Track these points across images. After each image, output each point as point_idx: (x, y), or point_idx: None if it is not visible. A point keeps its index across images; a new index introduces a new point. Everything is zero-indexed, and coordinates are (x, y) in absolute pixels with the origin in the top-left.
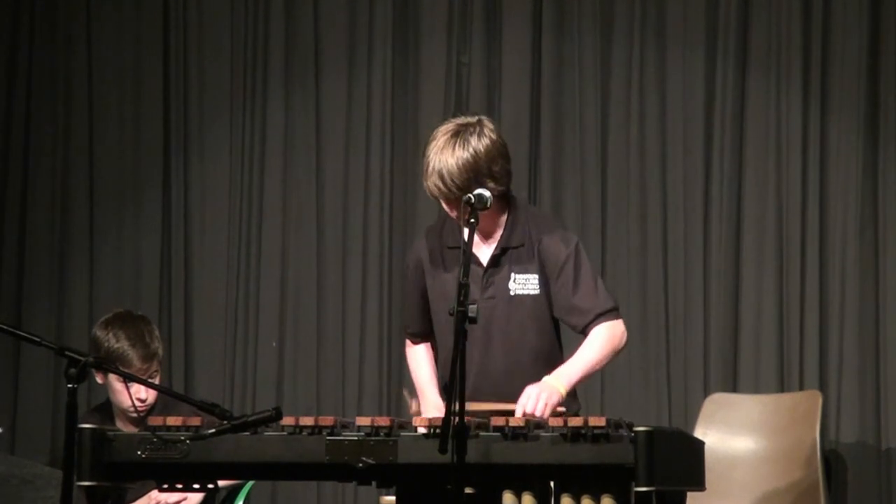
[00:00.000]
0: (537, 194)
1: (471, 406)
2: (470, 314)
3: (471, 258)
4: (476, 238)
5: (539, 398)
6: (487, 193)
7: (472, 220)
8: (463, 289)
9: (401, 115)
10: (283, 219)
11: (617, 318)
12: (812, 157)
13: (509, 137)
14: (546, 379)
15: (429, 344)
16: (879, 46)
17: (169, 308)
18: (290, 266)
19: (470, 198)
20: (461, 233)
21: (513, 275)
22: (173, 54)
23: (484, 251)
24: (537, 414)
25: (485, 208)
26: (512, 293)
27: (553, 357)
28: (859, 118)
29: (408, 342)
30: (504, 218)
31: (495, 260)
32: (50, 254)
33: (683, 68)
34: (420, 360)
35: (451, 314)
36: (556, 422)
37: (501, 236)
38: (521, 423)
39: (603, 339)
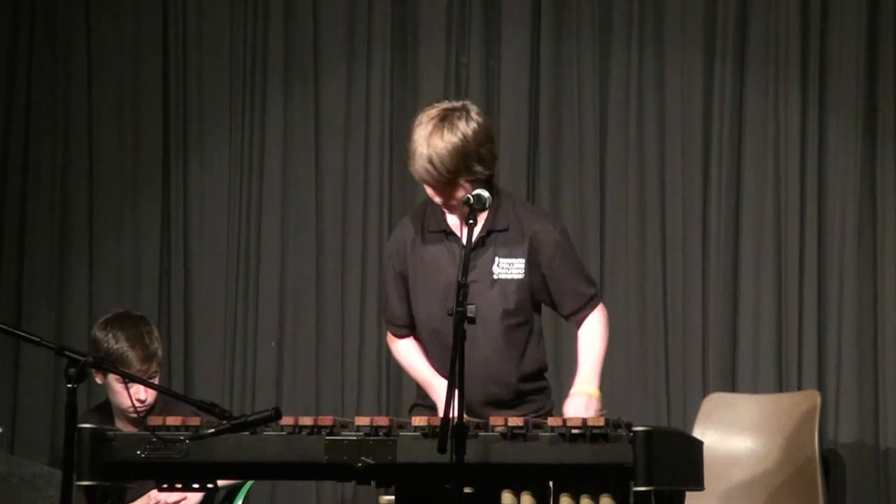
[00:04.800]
0: (536, 194)
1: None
2: (469, 314)
3: (469, 258)
4: (460, 222)
5: (588, 407)
6: (486, 194)
7: (472, 222)
8: (462, 289)
9: (400, 116)
10: (283, 219)
11: (600, 301)
12: (810, 158)
13: (508, 138)
14: (580, 389)
15: (413, 338)
16: (877, 47)
17: (169, 308)
18: (290, 266)
19: (469, 198)
20: (444, 216)
21: (497, 259)
22: (173, 54)
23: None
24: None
25: (483, 209)
26: (495, 277)
27: (530, 343)
28: (857, 118)
29: (391, 338)
30: None
31: (479, 242)
32: (50, 254)
33: (682, 69)
34: (412, 353)
35: (449, 314)
36: (555, 421)
37: (486, 220)
38: (520, 423)
39: (599, 330)
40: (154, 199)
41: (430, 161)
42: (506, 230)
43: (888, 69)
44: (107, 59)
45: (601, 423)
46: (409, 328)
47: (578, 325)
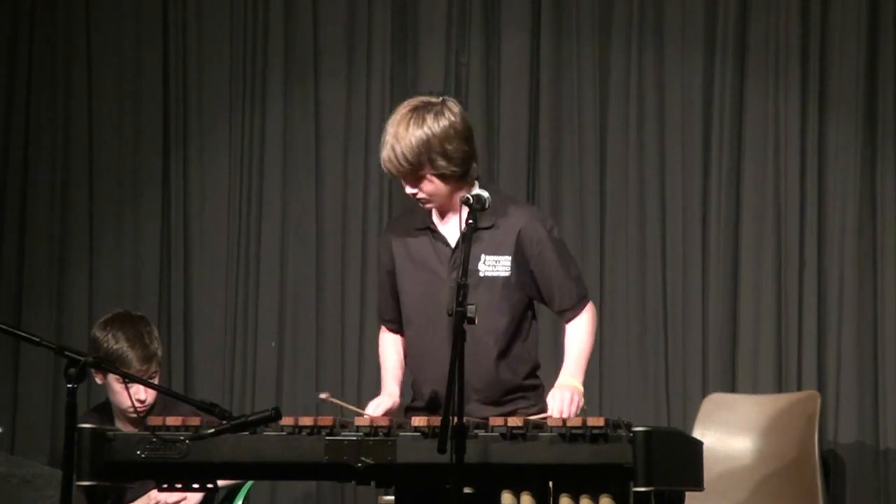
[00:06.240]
0: (536, 195)
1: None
2: (469, 314)
3: (469, 259)
4: (439, 217)
5: (573, 401)
6: (486, 194)
7: (471, 222)
8: (462, 289)
9: None
10: (283, 219)
11: (589, 300)
12: (810, 158)
13: (508, 138)
14: (565, 381)
15: (401, 335)
16: (877, 47)
17: (169, 308)
18: (290, 266)
19: (468, 198)
20: (430, 213)
21: (483, 256)
22: (173, 55)
23: (452, 231)
24: (572, 415)
25: (483, 209)
26: (481, 274)
27: (517, 340)
28: (857, 119)
29: (382, 328)
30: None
31: (464, 239)
32: (50, 254)
33: (682, 69)
34: (388, 349)
35: (449, 314)
36: (555, 422)
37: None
38: (520, 423)
39: (588, 328)
40: (154, 200)
41: (392, 150)
42: (492, 227)
43: (888, 69)
44: (107, 59)
45: (601, 423)
46: (398, 324)
47: (568, 321)
